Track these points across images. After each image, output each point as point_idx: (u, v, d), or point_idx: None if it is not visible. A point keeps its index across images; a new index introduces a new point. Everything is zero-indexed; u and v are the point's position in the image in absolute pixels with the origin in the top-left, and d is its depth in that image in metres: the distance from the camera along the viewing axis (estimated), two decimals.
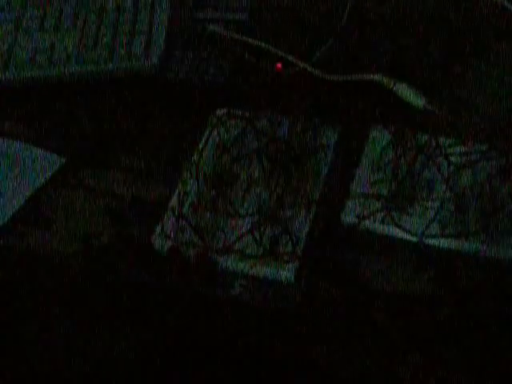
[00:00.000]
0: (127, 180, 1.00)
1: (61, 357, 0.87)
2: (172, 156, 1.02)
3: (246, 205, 0.92)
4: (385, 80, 1.04)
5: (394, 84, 1.03)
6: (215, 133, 0.99)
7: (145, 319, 0.88)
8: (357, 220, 0.90)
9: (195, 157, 0.97)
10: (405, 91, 1.03)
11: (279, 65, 1.11)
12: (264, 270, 0.87)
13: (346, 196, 0.92)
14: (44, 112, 1.11)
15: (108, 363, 0.87)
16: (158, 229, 0.91)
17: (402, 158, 0.94)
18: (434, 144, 0.93)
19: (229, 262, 0.88)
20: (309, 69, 1.09)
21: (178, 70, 1.11)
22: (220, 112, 1.02)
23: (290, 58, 1.11)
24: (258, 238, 0.88)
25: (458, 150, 0.93)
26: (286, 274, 0.86)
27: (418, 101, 1.02)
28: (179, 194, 0.94)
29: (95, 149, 1.05)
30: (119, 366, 0.87)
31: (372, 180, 0.93)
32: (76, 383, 0.86)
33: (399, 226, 0.89)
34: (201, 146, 0.98)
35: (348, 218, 0.91)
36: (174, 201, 0.94)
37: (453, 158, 0.92)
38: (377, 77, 1.05)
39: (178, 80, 1.10)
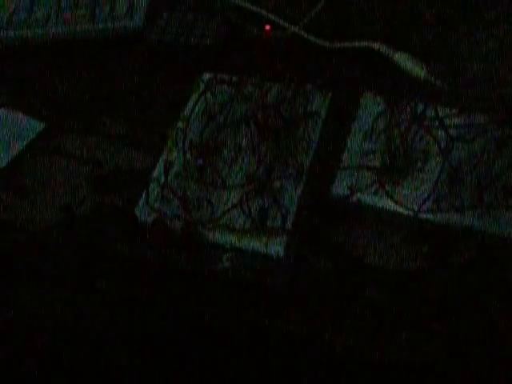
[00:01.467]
0: (110, 147, 0.98)
1: (40, 331, 0.86)
2: (156, 122, 1.00)
3: (233, 174, 0.90)
4: (384, 48, 1.01)
5: (395, 53, 1.00)
6: (202, 99, 0.96)
7: (128, 293, 0.85)
8: (348, 192, 0.88)
9: (180, 124, 0.94)
10: (405, 61, 0.99)
11: (268, 27, 1.07)
12: (253, 244, 0.84)
13: (337, 167, 0.90)
14: (23, 75, 1.08)
15: (86, 336, 0.86)
16: (143, 199, 0.88)
17: (396, 128, 0.90)
18: (431, 114, 0.90)
19: (216, 235, 0.85)
20: (300, 33, 1.05)
21: (162, 31, 1.08)
22: (206, 76, 0.99)
23: (280, 21, 1.07)
24: (246, 210, 0.85)
25: (456, 121, 0.90)
26: (276, 247, 0.84)
27: (419, 71, 0.98)
28: (164, 162, 0.90)
29: (76, 114, 1.02)
30: (97, 340, 0.85)
31: (364, 150, 0.91)
32: (56, 356, 0.84)
33: (393, 199, 0.86)
34: (186, 113, 0.95)
35: (339, 189, 0.88)
36: (158, 170, 0.90)
37: (450, 130, 0.89)
38: (376, 45, 1.02)
39: (162, 42, 1.07)
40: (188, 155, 0.91)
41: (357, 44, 1.03)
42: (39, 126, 0.99)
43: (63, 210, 0.91)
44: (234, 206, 0.85)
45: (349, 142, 0.92)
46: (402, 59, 1.00)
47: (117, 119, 1.01)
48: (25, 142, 0.98)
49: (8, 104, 1.03)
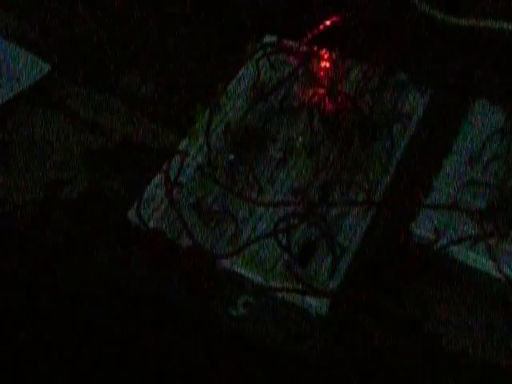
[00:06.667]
0: (122, 111, 0.84)
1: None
2: (189, 90, 0.86)
3: (276, 184, 0.73)
4: None
5: None
6: (253, 68, 0.80)
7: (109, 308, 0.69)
8: (434, 236, 0.69)
9: (218, 100, 0.78)
10: None
11: None
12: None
13: (423, 197, 0.73)
14: (40, 5, 0.96)
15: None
16: (143, 199, 0.71)
17: None
18: None
19: (234, 267, 0.68)
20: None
21: None
22: (267, 39, 0.84)
23: None
24: (283, 240, 0.66)
25: None
26: (316, 301, 0.67)
27: None
28: (181, 152, 0.74)
29: (91, 62, 0.91)
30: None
31: (466, 180, 0.74)
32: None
33: (495, 261, 0.67)
34: (230, 86, 0.80)
35: (421, 231, 0.71)
36: (171, 161, 0.73)
37: None
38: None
39: None
40: (217, 145, 0.73)
41: (485, 23, 0.83)
42: (44, 68, 0.89)
43: (45, 187, 0.78)
44: (268, 235, 0.67)
45: (445, 165, 0.76)
46: None
47: (138, 77, 0.88)
48: (26, 84, 0.88)
49: (17, 35, 0.92)
